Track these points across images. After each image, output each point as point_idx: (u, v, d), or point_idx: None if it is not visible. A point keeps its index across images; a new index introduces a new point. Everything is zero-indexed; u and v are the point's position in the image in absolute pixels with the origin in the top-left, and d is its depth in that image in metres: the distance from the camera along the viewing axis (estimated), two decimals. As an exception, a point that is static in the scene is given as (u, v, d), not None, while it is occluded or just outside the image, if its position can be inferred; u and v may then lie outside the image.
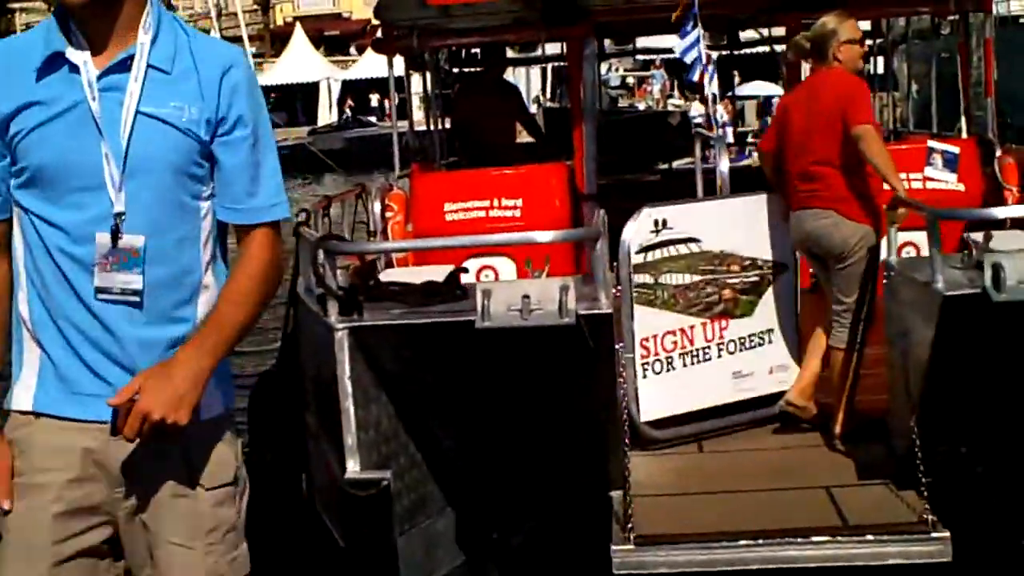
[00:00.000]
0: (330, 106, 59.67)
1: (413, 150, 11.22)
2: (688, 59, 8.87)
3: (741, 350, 7.42)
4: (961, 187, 9.59)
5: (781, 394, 7.45)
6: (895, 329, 6.56)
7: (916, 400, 6.22)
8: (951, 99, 12.07)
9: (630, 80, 43.12)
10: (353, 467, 5.61)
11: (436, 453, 6.09)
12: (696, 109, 28.48)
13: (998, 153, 9.84)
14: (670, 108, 36.63)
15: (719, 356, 7.34)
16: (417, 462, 5.97)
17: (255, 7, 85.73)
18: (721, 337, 7.34)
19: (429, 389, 5.75)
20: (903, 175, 9.49)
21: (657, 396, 7.00)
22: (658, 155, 15.82)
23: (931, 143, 9.62)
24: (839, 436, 7.10)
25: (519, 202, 9.65)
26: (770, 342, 7.48)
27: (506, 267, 8.94)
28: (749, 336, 7.42)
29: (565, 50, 10.73)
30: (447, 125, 12.05)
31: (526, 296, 5.21)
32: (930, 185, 9.25)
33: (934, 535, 5.83)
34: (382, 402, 5.72)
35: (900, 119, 13.20)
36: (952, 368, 6.07)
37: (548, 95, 37.65)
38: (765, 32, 13.22)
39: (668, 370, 7.09)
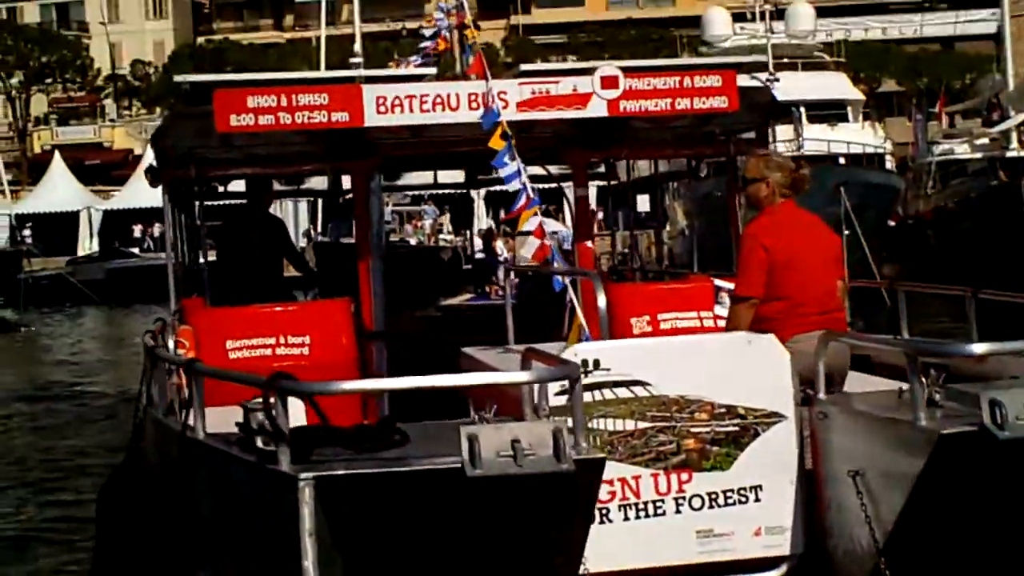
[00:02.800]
0: (91, 236, 58.26)
1: (183, 285, 10.83)
2: (511, 188, 9.01)
3: (712, 507, 6.65)
4: None
5: (774, 560, 6.69)
6: (845, 468, 6.25)
7: (883, 541, 5.99)
8: (716, 237, 12.33)
9: (427, 210, 43.16)
10: None
11: None
12: (476, 244, 28.83)
13: None
14: (442, 243, 36.92)
15: (678, 512, 6.61)
16: None
17: (10, 134, 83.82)
18: (681, 491, 6.61)
19: (393, 544, 5.23)
20: (694, 313, 9.73)
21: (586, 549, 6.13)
22: (432, 290, 15.77)
23: (717, 282, 9.66)
24: None
25: (307, 339, 9.39)
26: (757, 500, 6.68)
27: (295, 408, 8.45)
28: (724, 492, 6.65)
29: (351, 184, 10.48)
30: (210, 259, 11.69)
31: (516, 440, 4.85)
32: (721, 323, 9.02)
33: None
34: (339, 560, 5.17)
35: (664, 256, 13.40)
36: (936, 507, 5.80)
37: (320, 229, 37.64)
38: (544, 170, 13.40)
39: (602, 522, 6.39)
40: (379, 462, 5.15)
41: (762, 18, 45.45)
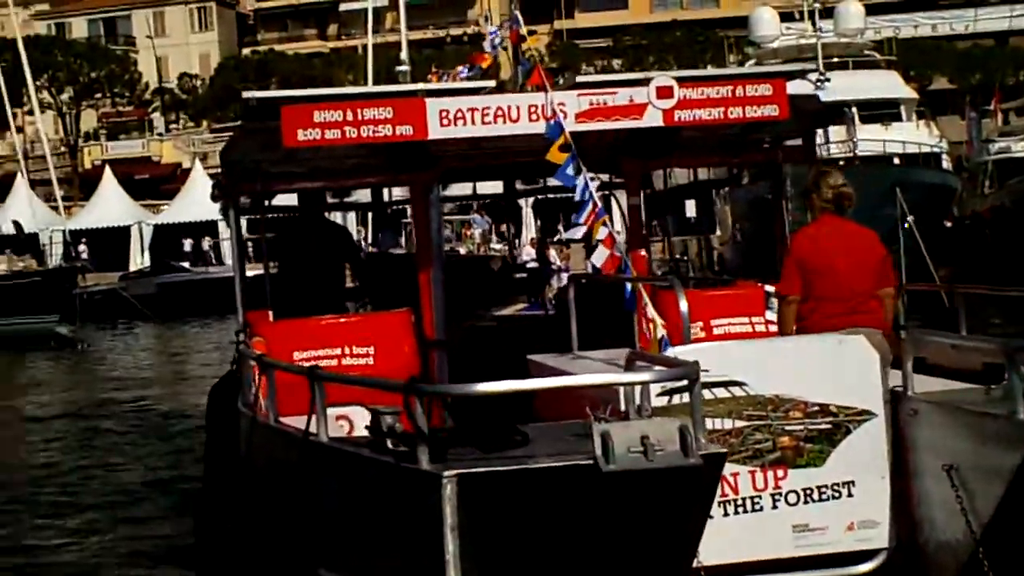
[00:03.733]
0: (142, 250, 58.64)
1: (246, 298, 10.97)
2: (576, 198, 9.10)
3: (807, 502, 6.99)
4: None
5: (867, 554, 7.01)
6: (938, 463, 6.58)
7: (980, 532, 6.26)
8: (766, 243, 12.21)
9: (472, 220, 43.08)
10: None
11: None
12: (528, 253, 28.79)
13: None
14: (491, 252, 36.84)
15: (774, 507, 6.95)
16: None
17: (63, 150, 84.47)
18: (777, 487, 6.96)
19: (531, 536, 5.45)
20: (746, 319, 9.93)
21: None
22: (483, 300, 15.79)
23: (767, 288, 9.82)
24: None
25: (371, 349, 9.62)
26: (850, 495, 7.02)
27: (361, 417, 8.61)
28: (819, 488, 7.00)
29: (410, 195, 10.62)
30: (270, 270, 11.79)
31: (645, 437, 5.13)
32: (772, 328, 9.29)
33: None
34: (479, 553, 5.40)
35: (715, 262, 13.43)
36: None
37: (369, 240, 37.65)
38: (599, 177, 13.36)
39: None
40: (514, 460, 5.38)
41: (810, 17, 45.01)
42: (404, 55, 41.04)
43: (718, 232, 40.15)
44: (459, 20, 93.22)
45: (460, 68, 11.94)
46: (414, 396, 5.49)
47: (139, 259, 57.68)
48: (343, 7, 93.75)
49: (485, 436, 5.66)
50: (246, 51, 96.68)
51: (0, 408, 25.15)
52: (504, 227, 25.93)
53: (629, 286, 9.15)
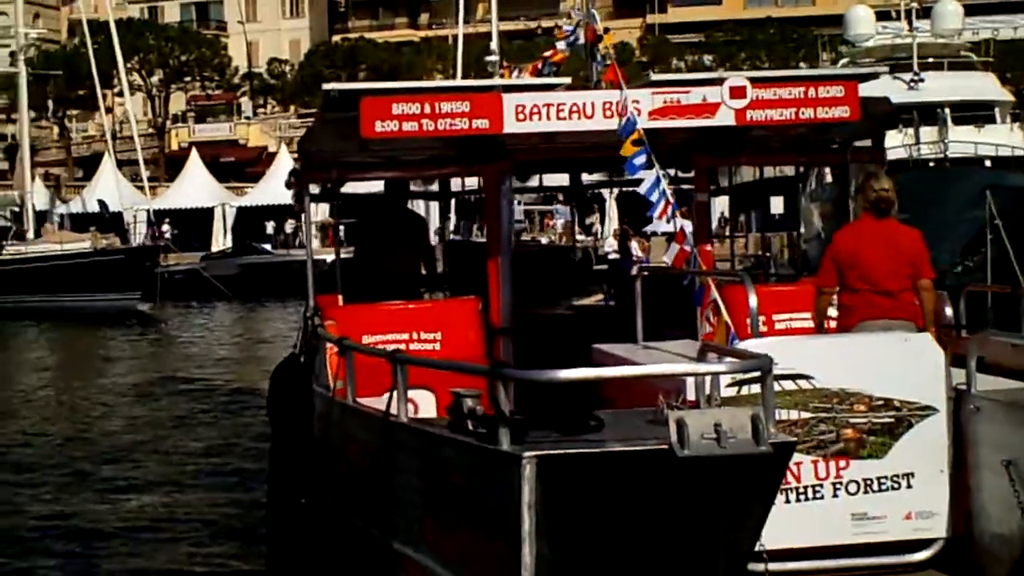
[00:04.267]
0: (224, 232, 59.14)
1: (317, 282, 11.16)
2: (652, 197, 9.21)
3: (867, 492, 7.28)
4: None
5: (923, 543, 7.29)
6: (997, 458, 6.85)
7: None
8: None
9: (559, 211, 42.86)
10: None
11: None
12: (610, 244, 28.58)
13: None
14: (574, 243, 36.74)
15: (835, 496, 7.26)
16: None
17: (151, 131, 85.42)
18: (839, 476, 7.26)
19: (605, 517, 5.59)
20: (807, 314, 9.84)
21: None
22: (562, 290, 15.78)
23: None
24: None
25: (438, 335, 9.84)
26: (909, 486, 7.30)
27: (426, 400, 8.79)
28: (879, 478, 7.29)
29: (481, 185, 10.91)
30: (343, 256, 11.93)
31: (718, 424, 5.27)
32: (832, 324, 9.45)
33: None
34: (554, 531, 5.55)
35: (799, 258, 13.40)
36: None
37: (452, 228, 37.62)
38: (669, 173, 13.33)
39: None
40: (591, 443, 5.54)
41: (907, 16, 44.22)
42: (494, 45, 41.00)
43: (803, 229, 39.72)
44: (550, 12, 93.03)
45: (544, 62, 12.03)
46: (498, 379, 5.72)
47: (222, 240, 58.23)
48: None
49: (562, 420, 5.82)
50: (336, 38, 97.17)
51: (78, 382, 25.53)
52: (588, 218, 25.77)
53: (697, 280, 9.32)
